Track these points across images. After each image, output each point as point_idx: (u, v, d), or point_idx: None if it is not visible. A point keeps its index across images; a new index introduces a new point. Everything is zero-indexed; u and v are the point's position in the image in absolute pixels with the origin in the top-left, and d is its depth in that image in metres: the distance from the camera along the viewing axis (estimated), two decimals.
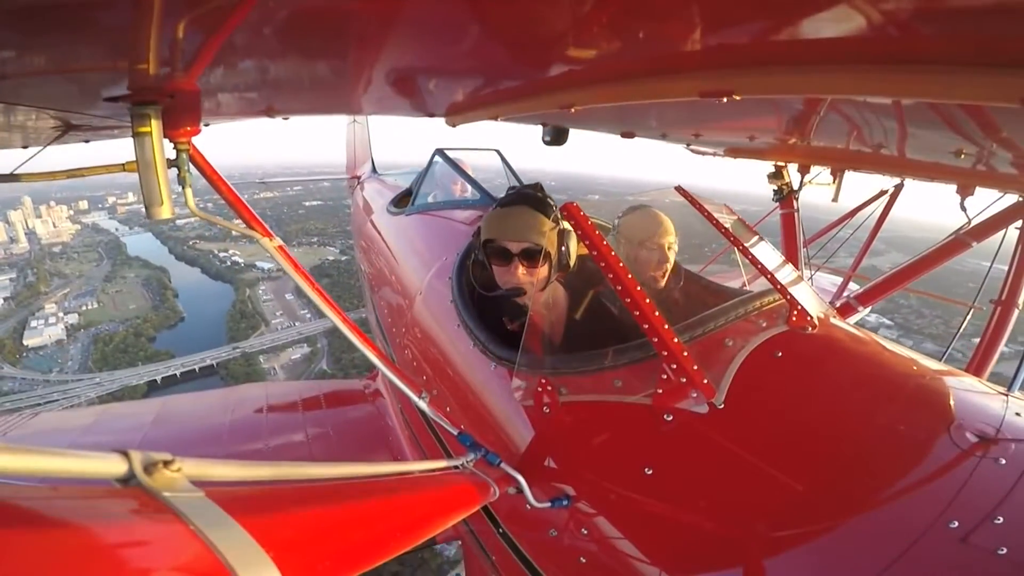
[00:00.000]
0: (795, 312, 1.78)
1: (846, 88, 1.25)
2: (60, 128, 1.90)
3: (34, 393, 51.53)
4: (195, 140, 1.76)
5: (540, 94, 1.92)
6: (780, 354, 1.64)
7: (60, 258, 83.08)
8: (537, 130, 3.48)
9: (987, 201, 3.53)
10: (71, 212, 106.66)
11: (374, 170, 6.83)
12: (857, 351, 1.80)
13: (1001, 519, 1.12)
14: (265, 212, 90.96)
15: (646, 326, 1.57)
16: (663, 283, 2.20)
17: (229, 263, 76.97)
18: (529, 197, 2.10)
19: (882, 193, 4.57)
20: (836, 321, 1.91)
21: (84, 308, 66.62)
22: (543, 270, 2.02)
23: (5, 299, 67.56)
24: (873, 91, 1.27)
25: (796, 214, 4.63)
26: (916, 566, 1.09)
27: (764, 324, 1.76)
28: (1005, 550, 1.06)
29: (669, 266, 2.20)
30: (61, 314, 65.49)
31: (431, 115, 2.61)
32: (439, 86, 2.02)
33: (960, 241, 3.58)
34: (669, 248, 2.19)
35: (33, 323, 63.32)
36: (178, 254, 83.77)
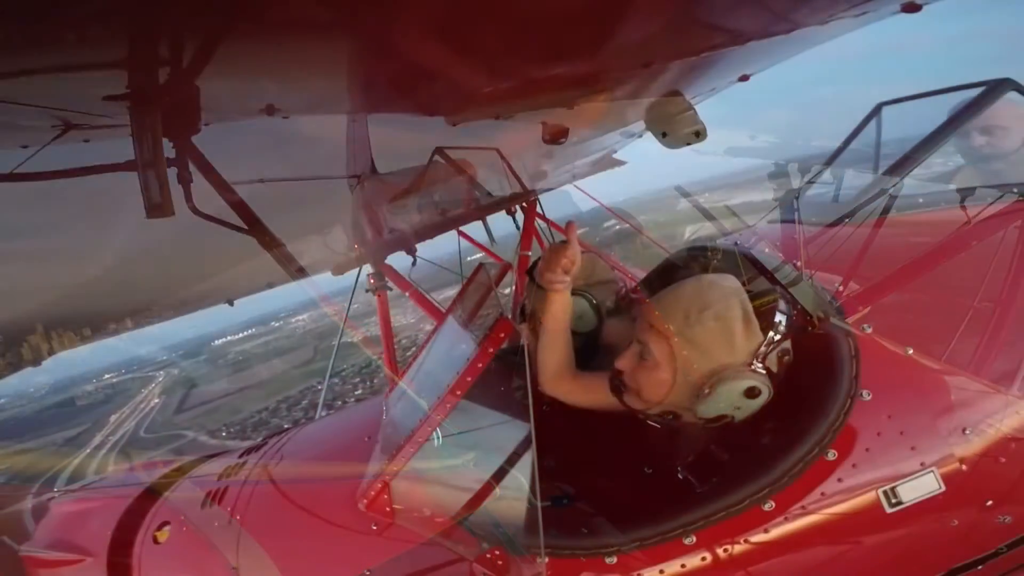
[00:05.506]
0: (795, 311, 1.78)
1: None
2: (60, 128, 1.89)
3: None
4: (195, 140, 1.75)
5: (540, 94, 1.92)
6: None
7: None
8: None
9: (987, 201, 3.52)
10: None
11: (373, 169, 6.80)
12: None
13: None
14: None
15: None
16: None
17: None
18: None
19: (882, 193, 4.56)
20: (836, 320, 1.91)
21: None
22: None
23: None
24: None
25: (796, 213, 4.62)
26: None
27: None
28: None
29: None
30: None
31: (431, 114, 2.60)
32: (439, 85, 2.02)
33: (960, 240, 3.56)
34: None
35: None
36: None
